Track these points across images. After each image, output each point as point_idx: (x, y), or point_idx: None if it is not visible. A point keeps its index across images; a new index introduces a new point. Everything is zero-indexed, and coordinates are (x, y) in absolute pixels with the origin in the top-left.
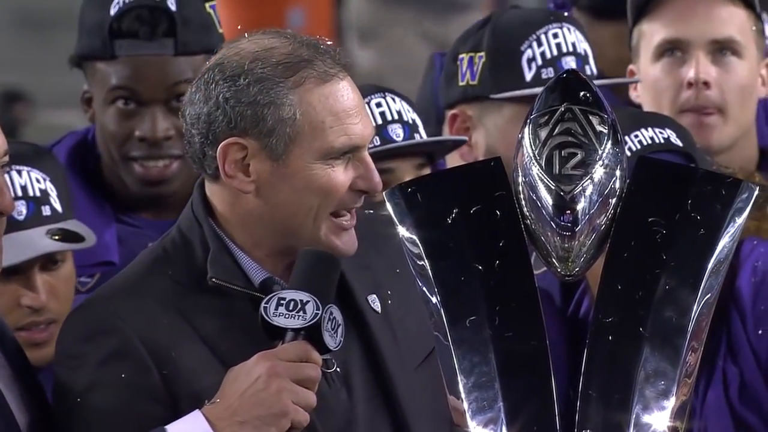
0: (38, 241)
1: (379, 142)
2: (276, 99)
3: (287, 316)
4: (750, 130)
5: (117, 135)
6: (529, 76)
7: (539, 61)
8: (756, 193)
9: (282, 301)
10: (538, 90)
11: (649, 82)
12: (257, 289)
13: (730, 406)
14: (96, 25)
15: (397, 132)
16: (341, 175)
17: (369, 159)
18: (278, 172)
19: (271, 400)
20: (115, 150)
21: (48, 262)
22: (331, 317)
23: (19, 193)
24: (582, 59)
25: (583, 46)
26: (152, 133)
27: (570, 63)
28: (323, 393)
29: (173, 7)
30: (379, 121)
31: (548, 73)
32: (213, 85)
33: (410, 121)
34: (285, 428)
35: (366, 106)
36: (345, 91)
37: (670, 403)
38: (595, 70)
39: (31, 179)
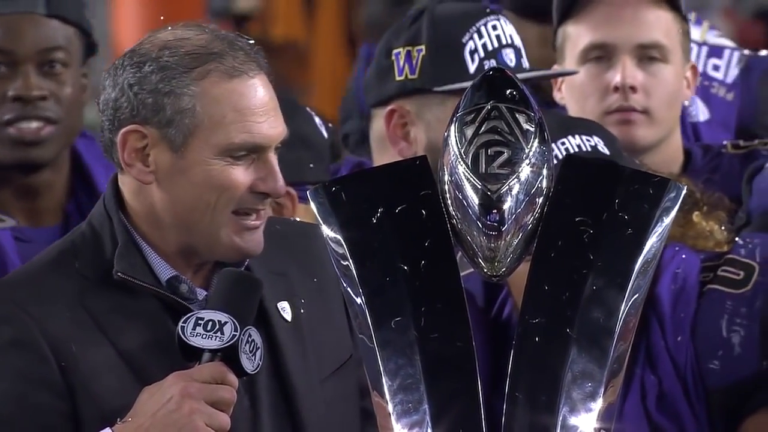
0: None
1: None
2: (176, 89)
3: (204, 336)
4: (674, 131)
5: None
6: (472, 68)
7: (481, 53)
8: (684, 192)
9: (200, 321)
10: None
11: (574, 85)
12: (164, 288)
13: (647, 415)
14: None
15: None
16: (241, 174)
17: (274, 161)
18: (177, 164)
19: (183, 422)
20: None
21: None
22: (250, 339)
23: None
24: (518, 52)
25: (518, 40)
26: (25, 91)
27: (509, 55)
28: None
29: None
30: None
31: (490, 64)
32: (121, 71)
33: None
34: None
35: (278, 109)
36: (253, 89)
37: (597, 404)
38: (527, 64)
39: None
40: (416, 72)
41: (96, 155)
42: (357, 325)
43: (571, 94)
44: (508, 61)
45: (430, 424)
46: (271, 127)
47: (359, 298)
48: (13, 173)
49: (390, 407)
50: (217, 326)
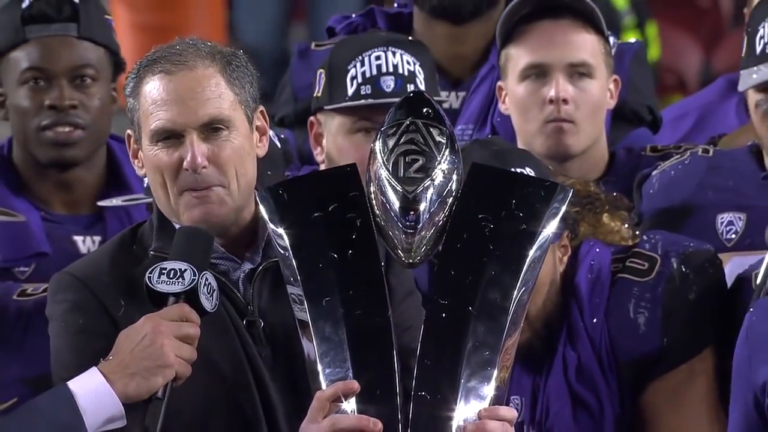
0: None
1: None
2: (131, 92)
3: (168, 282)
4: (600, 138)
5: (30, 109)
6: (350, 91)
7: (359, 79)
8: (570, 194)
9: (163, 271)
10: (352, 104)
11: (516, 99)
12: None
13: (568, 385)
14: (9, 20)
15: None
16: (167, 156)
17: (193, 142)
18: (143, 155)
19: (156, 354)
20: (28, 124)
21: None
22: (207, 282)
23: None
24: (403, 79)
25: (408, 68)
26: (60, 101)
27: (387, 81)
28: (247, 349)
29: (75, 0)
30: None
31: (366, 89)
32: None
33: None
34: (169, 378)
35: (212, 97)
36: (170, 83)
37: (494, 370)
38: (420, 87)
39: None
40: (320, 91)
41: (127, 155)
42: (295, 305)
43: (514, 107)
44: (386, 87)
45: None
46: (183, 113)
47: (297, 282)
48: (51, 170)
49: (319, 368)
50: (178, 273)
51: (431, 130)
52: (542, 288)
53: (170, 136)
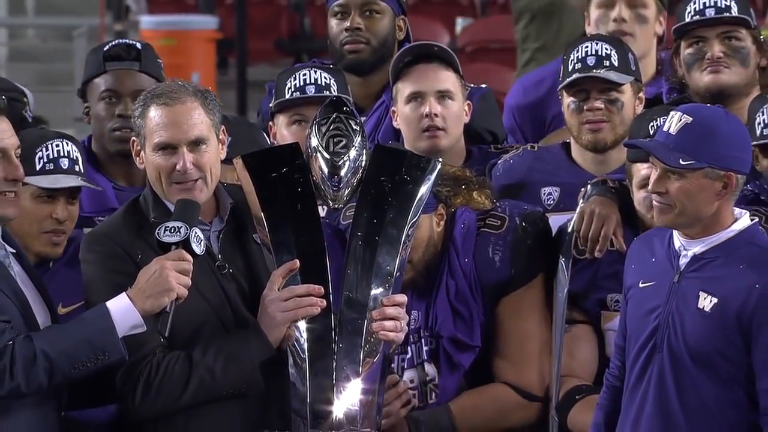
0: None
1: None
2: (139, 115)
3: (170, 236)
4: (460, 139)
5: (105, 117)
6: (287, 96)
7: (293, 89)
8: (439, 167)
9: (167, 227)
10: (284, 100)
11: (403, 117)
12: None
13: (450, 303)
14: (95, 58)
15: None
16: (163, 161)
17: (184, 153)
18: (145, 157)
19: (163, 282)
20: (104, 127)
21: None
22: (196, 234)
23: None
24: (320, 87)
25: (325, 81)
26: (125, 112)
27: (310, 89)
28: (222, 283)
29: (139, 47)
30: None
31: (296, 94)
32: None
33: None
34: (173, 298)
35: (197, 123)
36: (169, 111)
37: (392, 278)
38: (333, 93)
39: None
40: (272, 103)
41: None
42: (261, 235)
43: (402, 122)
44: (308, 92)
45: (299, 280)
46: (178, 133)
47: (264, 220)
48: (117, 158)
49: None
50: (176, 229)
51: (350, 121)
52: (422, 243)
53: (168, 148)
